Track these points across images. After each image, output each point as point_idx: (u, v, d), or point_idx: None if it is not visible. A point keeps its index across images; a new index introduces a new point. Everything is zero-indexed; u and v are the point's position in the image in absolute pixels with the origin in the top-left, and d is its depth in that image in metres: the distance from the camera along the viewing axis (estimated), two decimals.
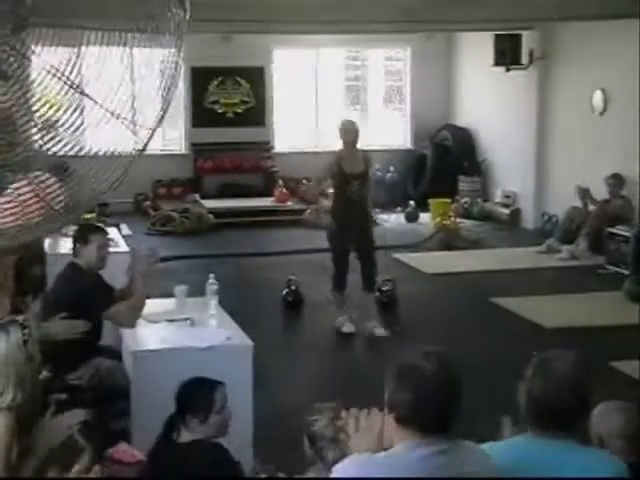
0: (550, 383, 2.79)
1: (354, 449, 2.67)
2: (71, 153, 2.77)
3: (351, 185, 7.52)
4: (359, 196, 7.56)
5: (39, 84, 2.87)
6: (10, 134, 2.74)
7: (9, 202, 2.82)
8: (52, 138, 2.78)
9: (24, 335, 3.59)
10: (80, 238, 5.35)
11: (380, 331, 7.69)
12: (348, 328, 7.72)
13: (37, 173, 2.84)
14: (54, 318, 4.73)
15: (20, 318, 3.72)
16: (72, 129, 2.77)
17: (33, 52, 2.74)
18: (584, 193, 10.86)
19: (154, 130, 2.53)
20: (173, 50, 2.48)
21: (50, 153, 2.78)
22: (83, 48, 2.79)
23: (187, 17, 2.42)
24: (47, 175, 2.85)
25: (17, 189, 2.81)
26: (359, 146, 7.74)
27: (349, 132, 7.60)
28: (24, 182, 2.77)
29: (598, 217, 10.63)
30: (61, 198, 2.77)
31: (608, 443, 3.17)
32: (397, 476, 2.46)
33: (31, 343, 3.62)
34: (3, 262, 4.29)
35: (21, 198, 2.77)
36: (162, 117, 2.52)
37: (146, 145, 2.57)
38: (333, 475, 2.61)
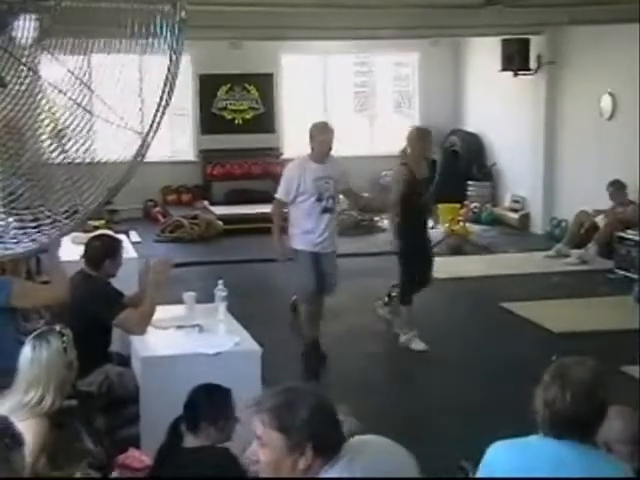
0: (567, 390, 2.78)
1: None
2: (78, 160, 2.78)
3: None
4: None
5: (47, 93, 2.89)
6: (16, 142, 2.76)
7: None
8: (59, 146, 2.79)
9: (63, 342, 3.69)
10: (110, 253, 5.39)
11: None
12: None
13: None
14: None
15: (58, 327, 3.81)
16: (79, 137, 2.79)
17: (39, 61, 2.75)
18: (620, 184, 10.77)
19: (147, 135, 2.53)
20: (174, 57, 2.49)
21: (57, 161, 2.80)
22: (89, 56, 2.80)
23: (183, 17, 2.43)
24: None
25: None
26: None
27: None
28: None
29: (611, 224, 10.59)
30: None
31: (613, 449, 3.16)
32: None
33: (70, 350, 3.72)
34: None
35: None
36: (158, 124, 2.52)
37: (145, 152, 2.58)
38: None
